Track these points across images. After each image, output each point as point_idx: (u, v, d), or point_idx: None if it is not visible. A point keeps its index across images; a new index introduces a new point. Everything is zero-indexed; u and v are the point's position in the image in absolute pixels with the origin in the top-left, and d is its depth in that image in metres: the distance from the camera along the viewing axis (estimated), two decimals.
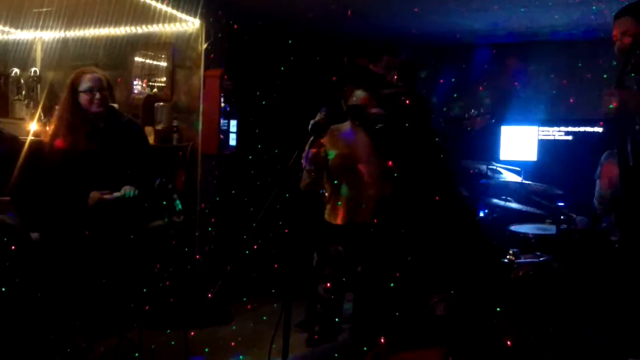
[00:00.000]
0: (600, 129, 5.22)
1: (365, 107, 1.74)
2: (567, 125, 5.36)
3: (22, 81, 4.28)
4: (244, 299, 4.34)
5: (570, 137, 5.36)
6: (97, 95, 3.03)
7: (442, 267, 1.63)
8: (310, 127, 2.38)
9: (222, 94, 4.16)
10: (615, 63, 2.85)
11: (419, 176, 1.72)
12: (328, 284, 2.49)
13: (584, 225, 3.77)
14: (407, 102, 1.67)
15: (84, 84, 3.03)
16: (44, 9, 4.09)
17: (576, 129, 5.35)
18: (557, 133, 5.40)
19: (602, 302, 2.82)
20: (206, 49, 4.17)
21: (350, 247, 2.51)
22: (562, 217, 3.29)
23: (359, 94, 2.44)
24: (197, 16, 4.09)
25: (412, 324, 1.63)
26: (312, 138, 2.40)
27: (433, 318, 1.59)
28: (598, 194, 3.86)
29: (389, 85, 2.79)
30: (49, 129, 3.40)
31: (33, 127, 3.60)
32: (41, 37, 4.62)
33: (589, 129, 5.30)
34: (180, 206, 3.18)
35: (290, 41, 5.05)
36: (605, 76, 5.18)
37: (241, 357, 3.32)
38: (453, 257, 1.63)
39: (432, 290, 1.61)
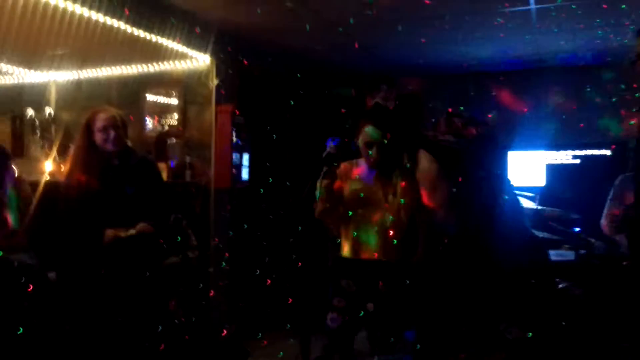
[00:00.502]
0: (608, 152, 5.20)
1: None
2: (574, 149, 5.34)
3: (37, 122, 4.34)
4: (259, 335, 4.29)
5: (578, 161, 5.33)
6: (112, 134, 3.06)
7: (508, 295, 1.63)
8: (324, 156, 2.40)
9: (233, 129, 4.20)
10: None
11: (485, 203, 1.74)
12: (335, 313, 2.46)
13: (602, 250, 3.72)
14: (474, 131, 1.71)
15: (99, 123, 3.06)
16: (58, 51, 4.18)
17: (584, 152, 5.33)
18: (565, 157, 5.38)
19: (625, 328, 2.77)
20: (217, 85, 4.23)
21: (360, 282, 2.49)
22: (580, 243, 3.25)
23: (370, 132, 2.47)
24: (208, 53, 4.16)
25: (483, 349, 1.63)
26: (325, 168, 2.41)
27: (506, 342, 1.58)
28: (607, 216, 3.80)
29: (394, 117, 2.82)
30: (64, 168, 3.44)
31: (48, 166, 3.63)
32: (55, 78, 4.71)
33: (596, 151, 5.29)
34: (195, 242, 3.17)
35: (299, 75, 5.11)
36: (613, 100, 5.21)
37: None
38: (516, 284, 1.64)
39: (496, 318, 1.61)
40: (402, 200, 2.50)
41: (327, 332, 2.50)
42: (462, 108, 4.68)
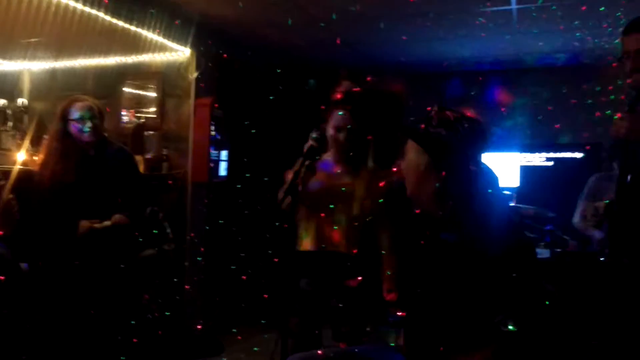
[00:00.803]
0: (581, 155, 5.29)
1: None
2: (548, 151, 5.43)
3: (9, 112, 4.23)
4: (234, 330, 4.27)
5: (551, 163, 5.42)
6: (89, 124, 3.00)
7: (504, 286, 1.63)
8: (305, 149, 2.38)
9: (212, 122, 4.16)
10: (620, 82, 2.84)
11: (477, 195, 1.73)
12: (297, 319, 2.44)
13: (574, 247, 3.79)
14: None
15: (75, 113, 3.00)
16: (33, 40, 4.08)
17: (558, 154, 5.42)
18: (538, 159, 5.46)
19: (597, 325, 2.81)
20: (196, 78, 4.18)
21: (320, 278, 2.48)
22: (556, 241, 3.29)
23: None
24: (188, 45, 4.11)
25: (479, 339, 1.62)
26: (307, 162, 2.39)
27: (502, 334, 1.58)
28: (581, 213, 3.85)
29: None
30: (38, 158, 3.36)
31: (21, 157, 3.54)
32: (29, 67, 4.60)
33: (569, 154, 5.37)
34: (171, 234, 3.13)
35: (279, 70, 5.08)
36: (589, 101, 5.29)
37: None
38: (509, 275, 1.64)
39: (492, 309, 1.60)
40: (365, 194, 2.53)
41: (292, 335, 2.46)
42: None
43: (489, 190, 1.87)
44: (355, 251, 2.54)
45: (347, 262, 2.49)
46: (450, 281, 1.66)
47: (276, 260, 2.51)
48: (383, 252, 2.56)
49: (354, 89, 2.84)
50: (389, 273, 2.50)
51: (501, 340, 1.58)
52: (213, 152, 4.23)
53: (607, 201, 2.59)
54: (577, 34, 4.33)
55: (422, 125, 1.76)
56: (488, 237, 1.64)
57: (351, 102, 2.63)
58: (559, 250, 3.33)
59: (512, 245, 1.68)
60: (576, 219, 3.80)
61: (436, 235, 1.76)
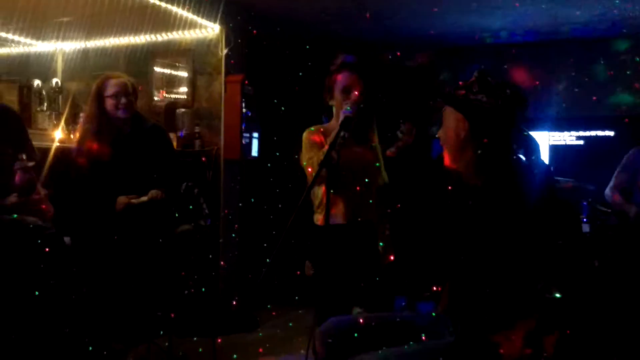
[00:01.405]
0: (612, 133, 5.11)
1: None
2: (577, 130, 5.25)
3: (44, 92, 4.29)
4: (269, 306, 4.30)
5: (582, 142, 5.26)
6: (123, 100, 3.01)
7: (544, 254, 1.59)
8: (341, 120, 2.34)
9: (243, 100, 4.15)
10: None
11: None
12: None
13: (615, 221, 3.69)
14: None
15: (110, 89, 3.02)
16: (65, 19, 4.11)
17: (588, 133, 5.23)
18: (568, 138, 5.30)
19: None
20: (226, 55, 4.16)
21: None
22: (596, 214, 3.22)
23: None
24: (217, 22, 4.09)
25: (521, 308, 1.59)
26: (343, 133, 2.35)
27: (546, 300, 1.54)
28: (615, 185, 3.74)
29: None
30: (74, 136, 3.40)
31: (58, 135, 3.60)
32: (62, 48, 4.65)
33: (600, 133, 5.19)
34: (207, 210, 3.15)
35: (307, 46, 5.03)
36: (628, 72, 5.13)
37: None
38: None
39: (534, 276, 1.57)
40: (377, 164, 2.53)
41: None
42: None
43: (532, 157, 1.82)
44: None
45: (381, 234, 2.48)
46: (491, 249, 1.62)
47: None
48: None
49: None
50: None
51: (545, 308, 1.55)
52: (245, 130, 4.23)
53: None
54: (616, 1, 4.18)
55: (462, 92, 1.71)
56: (528, 203, 1.60)
57: (359, 67, 2.59)
58: (599, 223, 3.25)
59: (554, 211, 1.64)
60: (608, 191, 3.70)
61: (476, 205, 1.72)
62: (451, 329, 1.76)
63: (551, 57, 5.39)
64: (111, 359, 2.73)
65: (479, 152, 1.68)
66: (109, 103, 3.02)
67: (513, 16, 4.60)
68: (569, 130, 5.26)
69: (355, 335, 1.75)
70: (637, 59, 5.02)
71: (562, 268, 1.54)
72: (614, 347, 2.56)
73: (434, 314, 1.89)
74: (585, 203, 3.84)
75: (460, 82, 1.73)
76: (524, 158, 1.78)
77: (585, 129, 5.21)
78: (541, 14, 4.49)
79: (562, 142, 5.30)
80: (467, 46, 5.51)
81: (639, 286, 2.83)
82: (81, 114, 3.57)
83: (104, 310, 2.63)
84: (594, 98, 5.14)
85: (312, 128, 2.62)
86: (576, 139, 5.28)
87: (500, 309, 1.59)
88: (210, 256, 3.98)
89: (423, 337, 1.68)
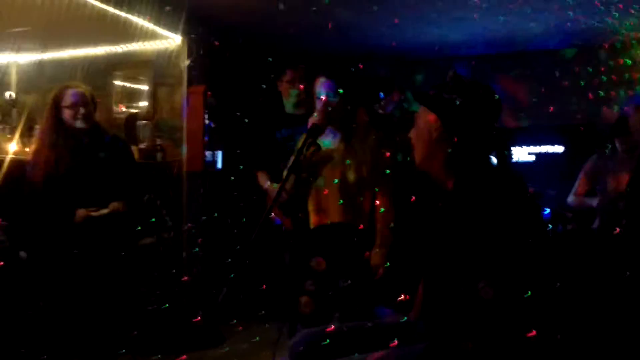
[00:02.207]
0: (562, 148, 5.26)
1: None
2: (529, 145, 5.39)
3: None
4: (234, 320, 4.21)
5: (533, 158, 5.39)
6: (82, 111, 2.92)
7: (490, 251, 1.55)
8: (309, 127, 2.34)
9: (205, 111, 4.10)
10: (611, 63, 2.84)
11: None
12: (307, 297, 2.39)
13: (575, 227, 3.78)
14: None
15: (68, 99, 2.93)
16: (19, 29, 3.98)
17: (540, 149, 5.37)
18: (524, 150, 5.43)
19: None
20: (188, 66, 4.11)
21: (328, 251, 2.44)
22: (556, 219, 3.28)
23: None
24: (179, 32, 4.04)
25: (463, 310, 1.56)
26: (310, 140, 2.34)
27: (480, 302, 1.50)
28: (577, 191, 3.83)
29: None
30: (30, 149, 3.27)
31: (12, 147, 3.46)
32: (16, 60, 4.50)
33: (550, 148, 5.33)
34: (170, 222, 3.07)
35: (270, 59, 5.01)
36: (582, 83, 5.30)
37: None
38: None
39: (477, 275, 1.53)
40: (360, 161, 2.52)
41: (300, 318, 2.42)
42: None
43: (504, 158, 1.82)
44: (361, 226, 2.50)
45: (353, 235, 2.46)
46: (461, 251, 1.60)
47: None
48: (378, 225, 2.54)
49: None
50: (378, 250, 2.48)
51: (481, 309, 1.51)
52: (208, 142, 4.17)
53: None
54: (570, 14, 4.31)
55: (435, 91, 1.70)
56: (498, 204, 1.57)
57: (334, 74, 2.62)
58: (561, 228, 3.32)
59: (523, 213, 1.61)
60: (571, 197, 3.77)
61: (448, 207, 1.70)
62: (424, 334, 1.74)
63: (509, 69, 5.52)
64: None
65: (450, 151, 1.67)
66: (67, 113, 2.92)
67: (471, 29, 4.70)
68: (525, 141, 5.37)
69: (327, 342, 1.71)
70: (590, 69, 5.19)
71: (522, 270, 1.51)
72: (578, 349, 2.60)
73: (405, 318, 1.87)
74: (547, 209, 3.92)
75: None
76: (495, 159, 1.78)
77: (541, 139, 5.34)
78: (498, 26, 4.60)
79: (517, 158, 5.44)
80: (427, 59, 5.60)
81: (599, 288, 2.89)
82: (36, 127, 3.45)
83: (62, 326, 2.52)
84: (551, 109, 5.28)
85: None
86: (528, 154, 5.41)
87: (471, 313, 1.56)
88: (174, 271, 3.88)
89: (396, 342, 1.65)
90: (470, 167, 1.65)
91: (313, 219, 2.58)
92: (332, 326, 1.80)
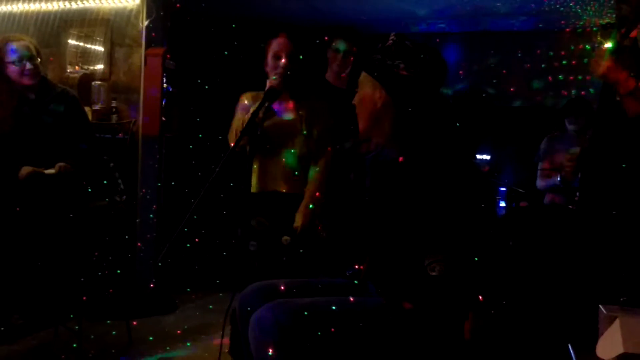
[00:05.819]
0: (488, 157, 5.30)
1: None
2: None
3: None
4: (188, 289, 4.17)
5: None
6: (28, 66, 2.79)
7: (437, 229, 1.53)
8: (266, 91, 2.29)
9: (164, 74, 3.97)
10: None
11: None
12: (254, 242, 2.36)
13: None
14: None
15: (13, 54, 2.78)
16: None
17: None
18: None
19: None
20: (147, 27, 3.96)
21: (271, 216, 2.41)
22: (513, 195, 3.33)
23: None
24: None
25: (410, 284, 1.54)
26: (267, 104, 2.29)
27: (428, 278, 1.49)
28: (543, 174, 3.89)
29: None
30: None
31: None
32: None
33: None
34: (122, 186, 2.99)
35: (233, 25, 4.90)
36: (543, 66, 5.37)
37: (188, 344, 3.17)
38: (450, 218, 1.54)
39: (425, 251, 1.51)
40: (313, 131, 2.49)
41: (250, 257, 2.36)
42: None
43: (452, 128, 1.79)
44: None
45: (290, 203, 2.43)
46: (406, 220, 1.57)
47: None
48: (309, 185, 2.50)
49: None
50: (311, 207, 2.42)
51: (427, 286, 1.49)
52: (165, 106, 4.05)
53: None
54: None
55: (378, 56, 1.62)
56: (446, 176, 1.53)
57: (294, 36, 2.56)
58: (514, 204, 3.38)
59: (470, 186, 1.58)
60: (539, 182, 3.81)
61: (392, 176, 1.65)
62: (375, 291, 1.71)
63: (473, 48, 5.55)
64: (10, 334, 2.53)
65: (396, 122, 1.61)
66: (12, 70, 2.78)
67: (438, 4, 4.68)
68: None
69: (278, 292, 1.67)
70: (551, 53, 5.26)
71: (467, 245, 1.49)
72: (530, 328, 2.65)
73: (356, 282, 1.84)
74: (503, 188, 3.97)
75: (379, 45, 1.66)
76: (443, 128, 1.74)
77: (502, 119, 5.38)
78: (464, 4, 4.59)
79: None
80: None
81: (551, 265, 2.95)
82: None
83: (6, 283, 2.42)
84: (512, 89, 5.35)
85: (249, 93, 2.58)
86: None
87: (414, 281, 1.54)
88: (127, 237, 3.80)
89: (351, 299, 1.62)
90: (417, 138, 1.60)
91: (258, 184, 2.53)
92: (282, 285, 1.74)
